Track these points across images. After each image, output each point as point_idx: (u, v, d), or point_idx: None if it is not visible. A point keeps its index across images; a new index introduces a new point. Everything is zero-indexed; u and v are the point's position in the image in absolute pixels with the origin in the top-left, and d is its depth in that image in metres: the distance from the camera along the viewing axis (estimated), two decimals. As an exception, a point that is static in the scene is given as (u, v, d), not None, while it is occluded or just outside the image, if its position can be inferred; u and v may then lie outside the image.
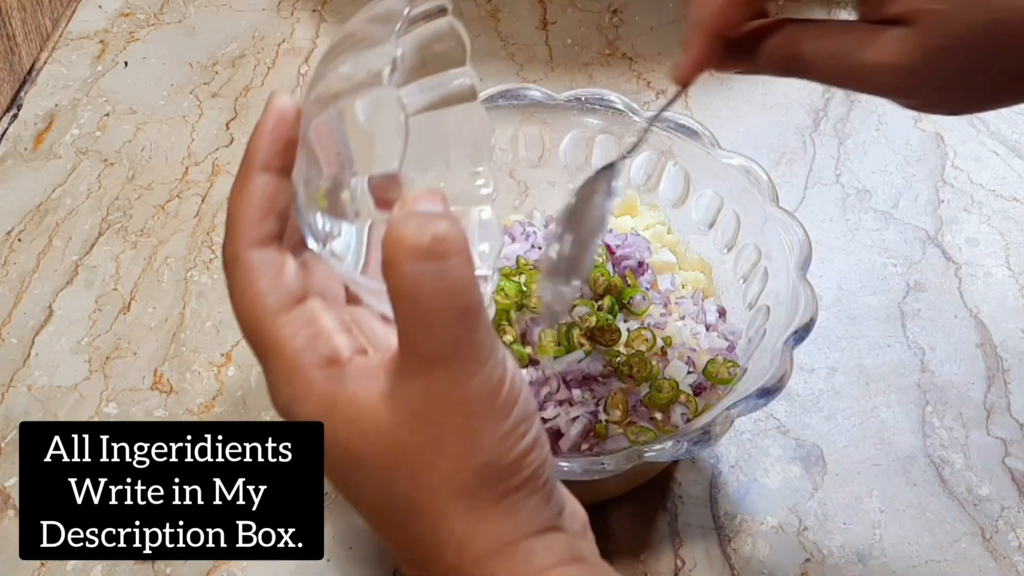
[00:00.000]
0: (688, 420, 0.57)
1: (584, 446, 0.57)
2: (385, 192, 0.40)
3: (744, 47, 0.48)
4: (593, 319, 0.59)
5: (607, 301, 0.61)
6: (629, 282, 0.62)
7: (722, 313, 0.64)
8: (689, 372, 0.59)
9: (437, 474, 0.35)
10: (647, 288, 0.62)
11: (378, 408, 0.36)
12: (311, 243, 0.39)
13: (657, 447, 0.52)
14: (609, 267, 0.62)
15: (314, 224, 0.39)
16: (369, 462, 0.36)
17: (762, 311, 0.60)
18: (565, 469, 0.52)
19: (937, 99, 0.46)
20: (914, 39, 0.44)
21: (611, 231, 0.65)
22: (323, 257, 0.39)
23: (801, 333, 0.56)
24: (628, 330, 0.60)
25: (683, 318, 0.62)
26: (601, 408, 0.57)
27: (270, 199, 0.38)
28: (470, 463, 0.35)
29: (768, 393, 0.53)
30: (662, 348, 0.60)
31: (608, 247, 0.63)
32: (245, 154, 0.39)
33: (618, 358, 0.59)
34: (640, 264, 0.63)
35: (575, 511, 0.40)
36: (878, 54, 0.44)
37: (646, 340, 0.59)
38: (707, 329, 0.63)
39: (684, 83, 0.49)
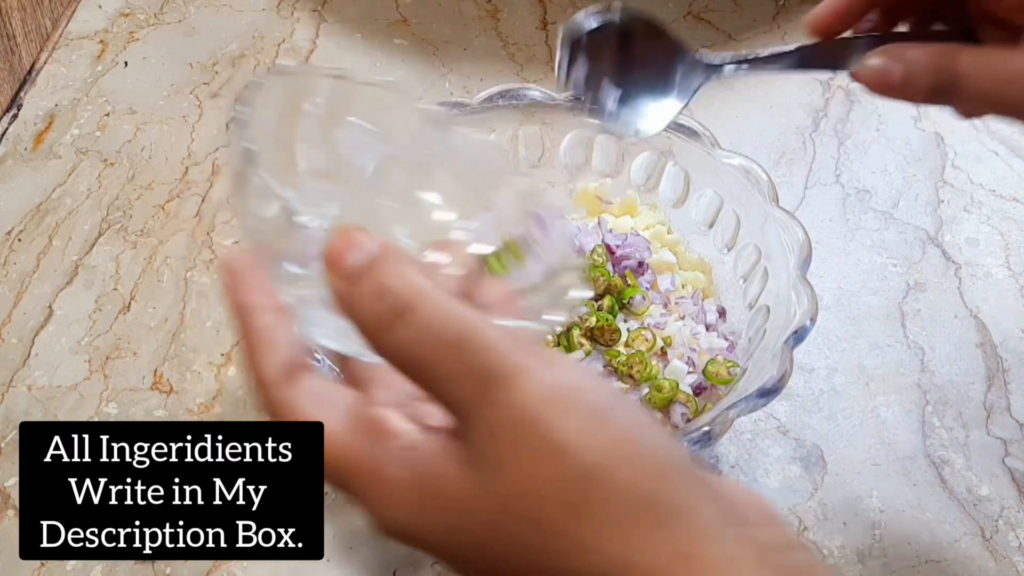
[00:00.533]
0: (688, 420, 0.57)
1: None
2: None
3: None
4: (593, 319, 0.59)
5: (607, 301, 0.61)
6: (629, 282, 0.62)
7: (722, 313, 0.64)
8: (689, 372, 0.59)
9: (548, 504, 0.31)
10: (647, 288, 0.62)
11: (465, 482, 0.32)
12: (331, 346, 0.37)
13: None
14: (609, 267, 0.62)
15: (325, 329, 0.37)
16: (487, 540, 0.32)
17: (762, 311, 0.60)
18: None
19: None
20: None
21: (611, 231, 0.65)
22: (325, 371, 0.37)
23: (801, 333, 0.56)
24: (628, 330, 0.60)
25: (683, 318, 0.63)
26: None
27: (278, 333, 0.36)
28: (573, 473, 0.31)
29: (768, 393, 0.53)
30: (662, 348, 0.60)
31: (608, 247, 0.63)
32: (233, 313, 0.37)
33: (618, 358, 0.59)
34: (640, 264, 0.63)
35: (753, 501, 0.34)
36: None
37: (646, 340, 0.59)
38: (707, 329, 0.63)
39: (818, 31, 0.47)
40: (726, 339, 0.62)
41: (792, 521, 0.60)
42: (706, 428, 0.52)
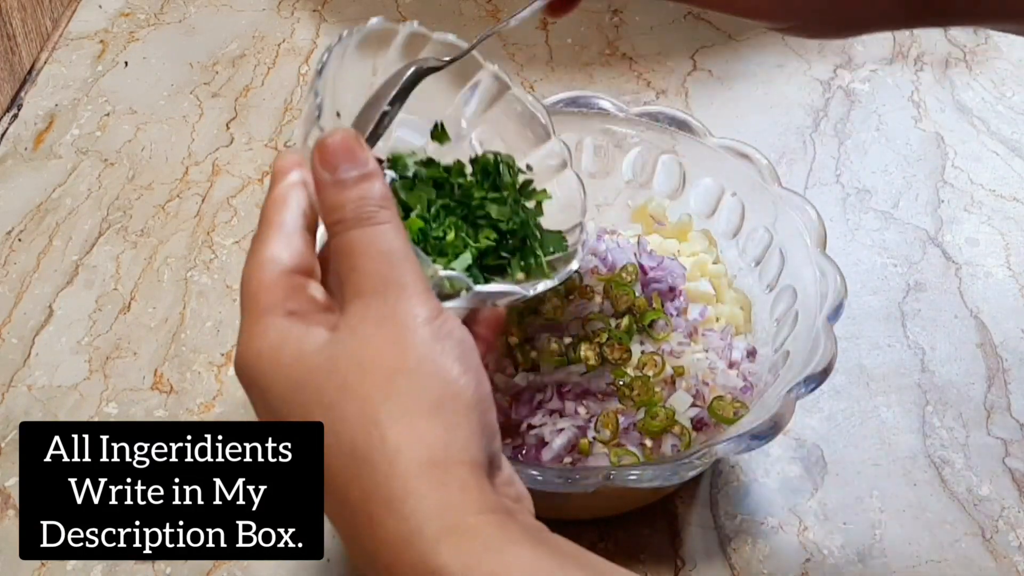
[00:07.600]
0: (678, 451, 0.56)
1: (567, 460, 0.56)
2: None
3: None
4: (605, 335, 0.58)
5: (626, 320, 0.59)
6: (654, 305, 0.60)
7: (752, 353, 0.62)
8: (696, 405, 0.57)
9: (368, 380, 0.37)
10: (674, 314, 0.60)
11: (321, 338, 0.38)
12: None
13: (633, 473, 0.51)
14: (637, 288, 0.61)
15: None
16: (302, 383, 0.38)
17: (782, 355, 0.58)
18: (538, 478, 0.51)
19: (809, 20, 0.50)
20: None
21: (650, 252, 0.63)
22: None
23: (811, 382, 0.54)
24: (643, 352, 0.58)
25: (707, 351, 0.60)
26: (592, 425, 0.56)
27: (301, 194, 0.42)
28: (401, 366, 0.37)
29: (759, 437, 0.52)
30: (671, 376, 0.58)
31: (641, 267, 0.61)
32: (265, 213, 0.42)
33: (623, 378, 0.57)
34: (671, 289, 0.61)
35: (520, 490, 0.41)
36: None
37: (655, 365, 0.58)
38: (730, 366, 0.60)
39: None
40: (744, 379, 0.60)
41: (792, 521, 0.60)
42: (684, 460, 0.51)
